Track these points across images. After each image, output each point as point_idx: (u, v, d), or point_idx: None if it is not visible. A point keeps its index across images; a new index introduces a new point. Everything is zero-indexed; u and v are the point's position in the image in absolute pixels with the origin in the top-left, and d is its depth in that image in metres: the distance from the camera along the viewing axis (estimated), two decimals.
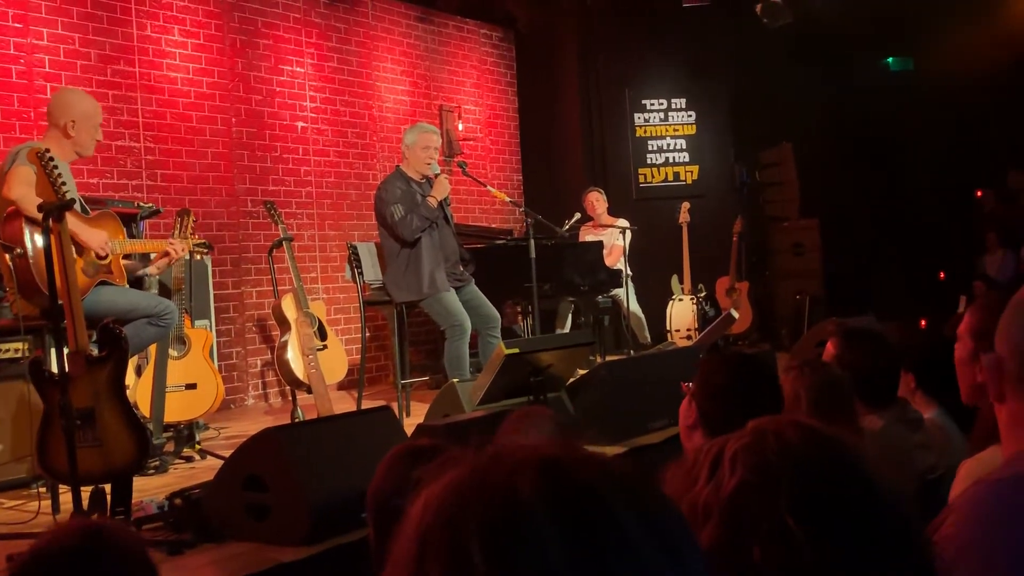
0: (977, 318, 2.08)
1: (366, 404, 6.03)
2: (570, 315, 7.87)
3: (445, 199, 5.86)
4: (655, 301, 8.45)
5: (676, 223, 8.59)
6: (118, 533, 1.53)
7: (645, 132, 9.55)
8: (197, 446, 4.90)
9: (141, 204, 5.41)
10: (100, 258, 4.08)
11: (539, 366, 4.38)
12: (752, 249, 9.22)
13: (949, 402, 2.89)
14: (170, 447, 4.77)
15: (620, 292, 7.71)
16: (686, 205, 8.66)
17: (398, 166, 5.99)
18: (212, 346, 5.50)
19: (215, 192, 6.93)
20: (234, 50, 7.16)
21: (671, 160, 9.57)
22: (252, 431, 3.66)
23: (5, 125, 5.75)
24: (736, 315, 6.59)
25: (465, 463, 0.71)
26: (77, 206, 4.01)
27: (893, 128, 10.19)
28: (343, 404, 6.33)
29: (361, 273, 6.23)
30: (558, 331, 7.64)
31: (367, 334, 6.37)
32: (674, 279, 8.62)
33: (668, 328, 8.45)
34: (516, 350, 4.20)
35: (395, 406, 5.56)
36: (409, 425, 4.55)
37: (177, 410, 4.85)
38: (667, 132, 9.57)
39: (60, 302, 3.40)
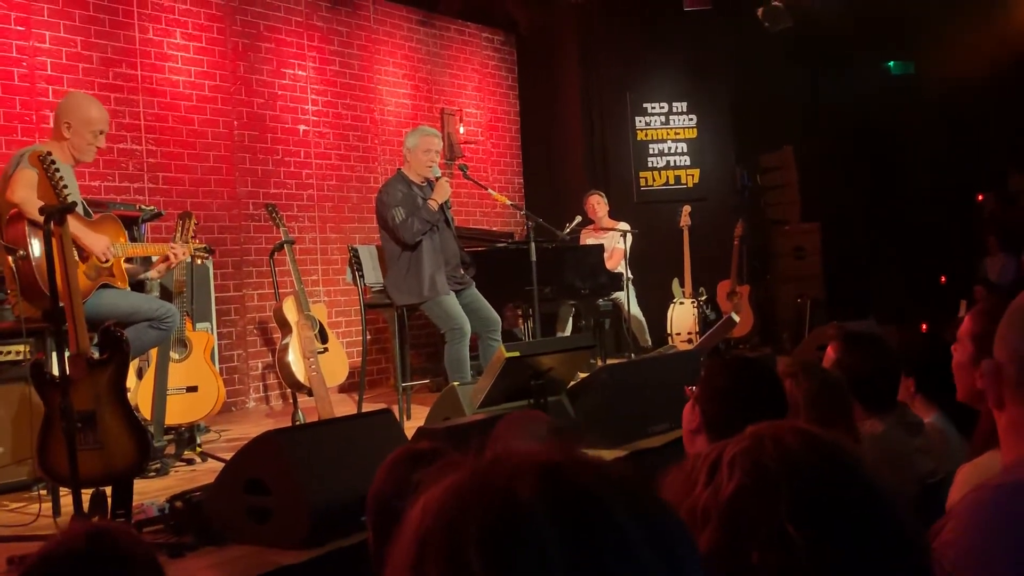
0: (977, 322, 2.08)
1: (367, 407, 6.03)
2: (571, 318, 7.88)
3: (446, 202, 5.87)
4: (656, 304, 8.45)
5: (677, 226, 8.60)
6: (124, 536, 1.54)
7: (646, 135, 9.56)
8: (198, 448, 4.90)
9: (143, 207, 5.42)
10: (102, 262, 4.09)
11: (540, 369, 4.38)
12: (753, 253, 9.22)
13: (949, 406, 2.89)
14: (171, 449, 4.78)
15: (621, 295, 7.71)
16: (687, 208, 8.67)
17: (399, 169, 6.00)
18: (213, 349, 5.50)
19: (217, 195, 6.94)
20: (236, 53, 7.17)
21: (672, 163, 9.57)
22: (253, 434, 3.66)
23: (7, 128, 5.76)
24: (737, 319, 6.58)
25: (465, 467, 0.71)
26: (80, 209, 4.02)
27: (894, 131, 10.19)
28: (344, 407, 6.33)
29: (362, 276, 6.23)
30: (559, 334, 7.64)
31: (368, 337, 6.38)
32: (675, 282, 8.62)
33: (669, 331, 8.45)
34: (517, 353, 4.21)
35: (396, 409, 5.57)
36: (409, 428, 4.56)
37: (178, 412, 4.86)
38: (668, 135, 9.57)
39: (61, 305, 3.40)
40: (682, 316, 8.47)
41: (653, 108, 9.56)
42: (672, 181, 9.55)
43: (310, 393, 5.54)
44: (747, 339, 8.60)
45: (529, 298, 6.01)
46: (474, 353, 5.88)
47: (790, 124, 9.80)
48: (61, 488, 3.64)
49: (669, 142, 9.57)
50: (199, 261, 4.74)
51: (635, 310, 7.93)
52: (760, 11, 8.56)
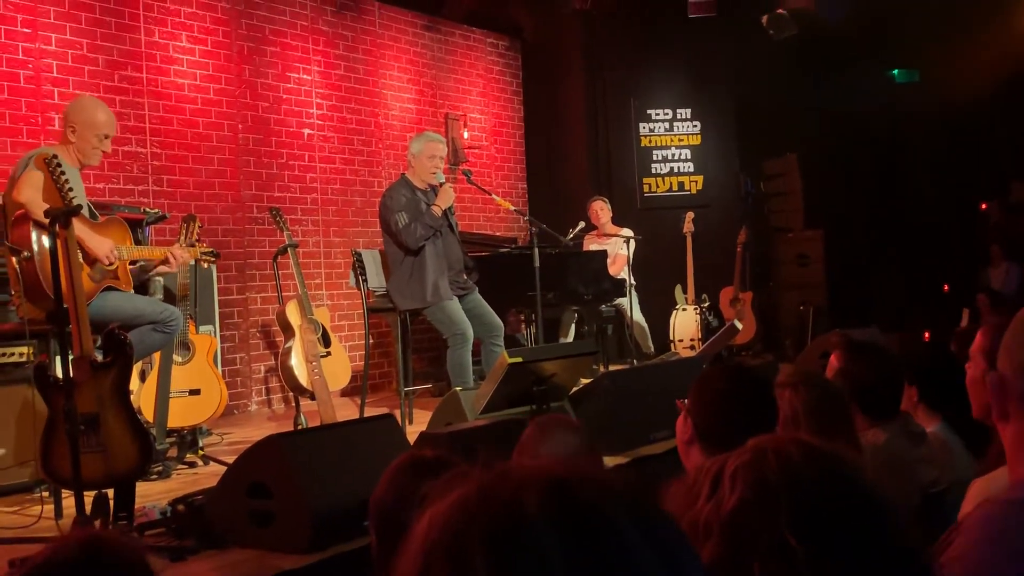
0: (989, 338, 2.07)
1: (369, 411, 6.03)
2: (573, 324, 7.88)
3: (450, 207, 5.87)
4: (659, 311, 8.46)
5: (680, 233, 8.60)
6: (118, 544, 1.53)
7: (650, 142, 9.57)
8: (200, 452, 4.90)
9: (147, 209, 5.43)
10: (106, 265, 4.09)
11: (542, 375, 4.38)
12: (756, 260, 9.22)
13: (952, 416, 2.90)
14: (173, 452, 4.78)
15: (624, 301, 7.72)
16: (690, 215, 8.67)
17: (403, 174, 6.00)
18: (216, 352, 5.51)
19: (221, 198, 6.95)
20: (241, 57, 7.19)
21: (676, 170, 9.58)
22: (255, 437, 3.66)
23: (13, 130, 5.78)
24: (740, 326, 6.59)
25: (471, 480, 0.71)
26: (85, 212, 4.03)
27: (898, 139, 10.20)
28: (346, 411, 6.33)
29: (365, 280, 6.23)
30: (561, 340, 7.64)
31: (371, 341, 6.39)
32: (678, 289, 8.63)
33: (672, 338, 8.46)
34: (519, 359, 4.21)
35: (397, 413, 5.57)
36: (412, 433, 4.55)
37: (181, 415, 4.86)
38: (672, 142, 9.58)
39: (66, 307, 3.41)
40: (685, 323, 8.47)
41: (657, 114, 9.57)
42: (676, 187, 9.56)
43: (312, 397, 5.55)
44: (750, 346, 8.60)
45: (532, 303, 6.01)
46: (476, 358, 5.87)
47: (794, 131, 9.80)
48: (63, 490, 3.64)
49: (673, 148, 9.57)
50: (205, 265, 4.74)
51: (638, 316, 7.93)
52: (765, 19, 8.57)
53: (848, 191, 10.10)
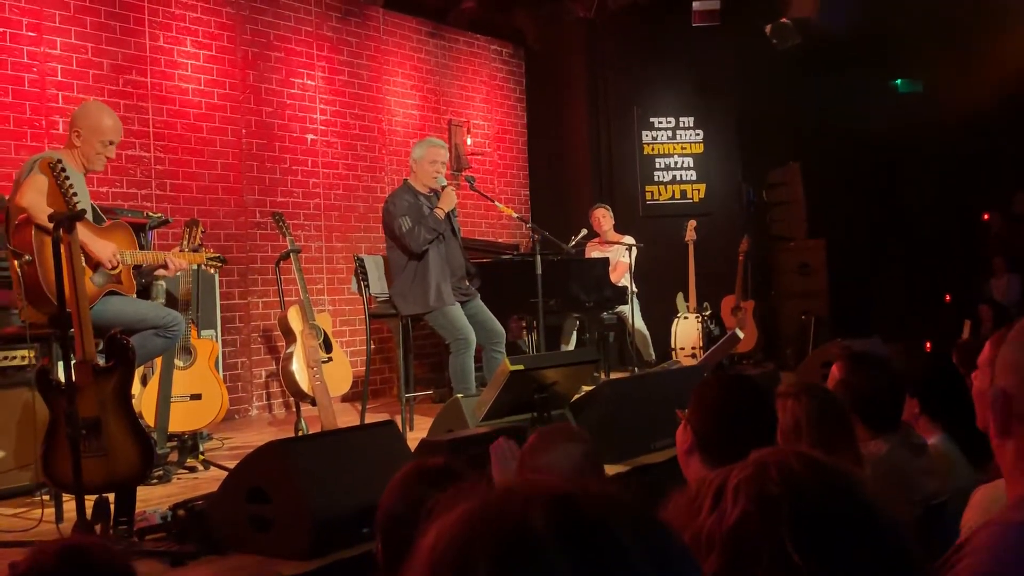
0: (998, 349, 2.06)
1: (370, 417, 6.03)
2: (575, 331, 7.88)
3: (452, 211, 5.88)
4: (660, 319, 8.46)
5: (682, 241, 8.61)
6: (100, 551, 1.50)
7: (653, 150, 9.58)
8: (201, 456, 4.90)
9: (150, 214, 5.44)
10: (109, 269, 4.10)
11: (543, 383, 4.38)
12: (758, 268, 9.23)
13: (953, 427, 2.90)
14: (174, 457, 4.78)
15: (625, 309, 7.72)
16: (692, 223, 8.68)
17: (406, 179, 6.01)
18: (217, 356, 5.51)
19: (224, 203, 6.96)
20: (246, 62, 7.20)
21: (678, 178, 9.59)
22: (256, 442, 3.67)
23: (17, 133, 5.79)
24: (741, 334, 6.59)
25: (477, 495, 0.72)
26: (89, 216, 4.03)
27: (901, 150, 10.20)
28: (347, 416, 6.33)
29: (367, 286, 6.24)
30: (563, 347, 7.64)
31: (372, 347, 6.38)
32: (679, 297, 8.63)
33: (673, 346, 8.46)
34: (521, 366, 4.21)
35: (398, 419, 5.57)
36: (412, 439, 4.55)
37: (181, 420, 4.86)
38: (675, 150, 9.59)
39: (68, 311, 3.41)
40: (686, 331, 8.47)
41: (660, 123, 9.58)
42: (678, 196, 9.57)
43: (313, 402, 5.55)
44: (751, 355, 8.60)
45: (534, 310, 6.01)
46: (478, 364, 5.88)
47: (797, 141, 9.82)
48: (64, 494, 3.64)
49: (676, 157, 9.58)
50: (211, 270, 4.75)
51: (639, 324, 7.93)
52: (769, 28, 8.58)
53: (850, 201, 10.11)
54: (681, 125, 9.60)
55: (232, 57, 7.12)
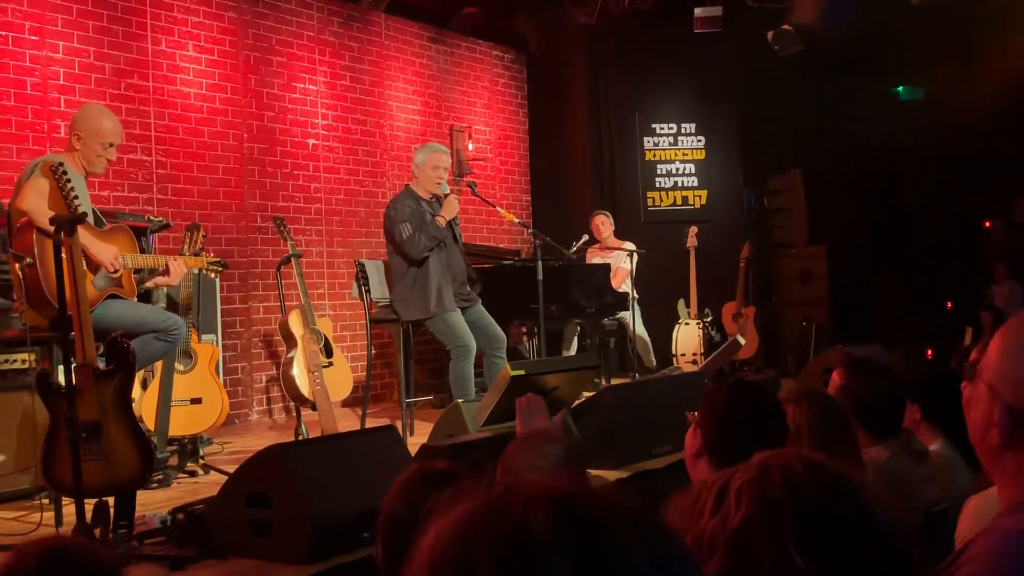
0: None
1: (370, 422, 6.02)
2: (576, 337, 7.88)
3: (454, 219, 5.88)
4: (661, 325, 8.45)
5: (684, 247, 8.61)
6: (84, 551, 1.47)
7: (654, 156, 9.58)
8: (201, 461, 4.90)
9: (151, 218, 5.43)
10: (110, 272, 4.10)
11: (544, 388, 4.37)
12: (759, 275, 9.22)
13: (954, 434, 2.89)
14: (174, 461, 4.78)
15: (626, 315, 7.72)
16: (694, 229, 8.68)
17: (407, 184, 6.02)
18: (218, 361, 5.50)
19: (225, 207, 6.96)
20: (247, 66, 7.21)
21: (680, 184, 9.59)
22: (256, 447, 3.66)
23: (19, 136, 5.80)
24: (742, 341, 6.57)
25: (477, 496, 0.71)
26: (91, 219, 4.03)
27: (902, 156, 10.20)
28: (347, 421, 6.33)
29: (368, 291, 6.24)
30: (564, 353, 7.64)
31: (372, 352, 6.38)
32: (680, 303, 8.63)
33: (674, 352, 8.45)
34: (521, 372, 4.20)
35: (399, 424, 5.57)
36: (413, 444, 4.55)
37: (182, 424, 4.86)
38: (676, 156, 9.60)
39: (69, 314, 3.41)
40: (687, 337, 8.47)
41: (662, 129, 9.59)
42: (679, 202, 9.57)
43: (314, 407, 5.54)
44: (752, 361, 8.59)
45: (535, 316, 6.01)
46: (479, 370, 5.87)
47: (798, 147, 9.82)
48: (64, 498, 3.64)
49: (677, 163, 9.59)
50: (212, 275, 4.75)
51: (640, 330, 7.93)
52: (770, 35, 8.59)
53: (851, 207, 10.10)
54: (683, 131, 9.60)
55: (234, 62, 7.12)
